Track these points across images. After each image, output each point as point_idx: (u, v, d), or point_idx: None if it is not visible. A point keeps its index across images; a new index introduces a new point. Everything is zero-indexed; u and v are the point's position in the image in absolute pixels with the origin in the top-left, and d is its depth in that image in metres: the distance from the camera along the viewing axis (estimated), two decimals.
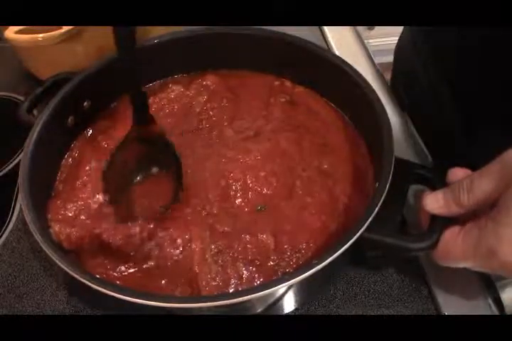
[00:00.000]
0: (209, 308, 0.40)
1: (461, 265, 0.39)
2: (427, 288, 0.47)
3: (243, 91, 0.55)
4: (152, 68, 0.55)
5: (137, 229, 0.42)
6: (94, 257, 0.43)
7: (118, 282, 0.42)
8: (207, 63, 0.57)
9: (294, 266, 0.42)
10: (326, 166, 0.48)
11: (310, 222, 0.44)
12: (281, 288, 0.35)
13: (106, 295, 0.35)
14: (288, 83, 0.56)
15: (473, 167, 0.39)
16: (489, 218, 0.36)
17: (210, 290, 0.41)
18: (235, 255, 0.42)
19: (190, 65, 0.57)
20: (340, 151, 0.49)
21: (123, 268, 0.43)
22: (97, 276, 0.41)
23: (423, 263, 0.48)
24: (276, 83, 0.56)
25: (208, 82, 0.55)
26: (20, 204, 0.45)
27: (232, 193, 0.46)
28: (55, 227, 0.43)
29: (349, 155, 0.49)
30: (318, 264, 0.35)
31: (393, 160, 0.41)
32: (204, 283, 0.41)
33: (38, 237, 0.39)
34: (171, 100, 0.54)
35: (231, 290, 0.41)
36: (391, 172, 0.40)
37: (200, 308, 0.40)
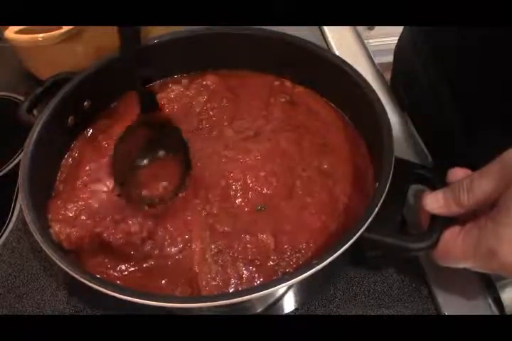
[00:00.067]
0: (209, 308, 0.40)
1: (461, 265, 0.39)
2: (427, 288, 0.47)
3: (243, 91, 0.55)
4: (152, 68, 0.55)
5: (137, 227, 0.42)
6: (94, 256, 0.43)
7: (118, 282, 0.42)
8: (207, 63, 0.56)
9: (294, 266, 0.42)
10: (326, 166, 0.48)
11: (310, 222, 0.44)
12: (281, 288, 0.35)
13: (106, 295, 0.35)
14: (288, 83, 0.56)
15: (473, 167, 0.39)
16: (489, 218, 0.36)
17: (210, 290, 0.41)
18: (235, 255, 0.42)
19: (190, 65, 0.57)
20: (340, 151, 0.49)
21: (123, 267, 0.43)
22: (97, 276, 0.41)
23: (423, 263, 0.48)
24: (276, 83, 0.56)
25: (208, 82, 0.55)
26: (20, 204, 0.45)
27: (232, 193, 0.46)
28: (55, 227, 0.43)
29: (349, 155, 0.49)
30: (318, 264, 0.35)
31: (393, 160, 0.41)
32: (204, 283, 0.41)
33: (38, 237, 0.39)
34: (171, 100, 0.54)
35: (231, 290, 0.41)
36: (391, 172, 0.40)
37: (200, 308, 0.40)
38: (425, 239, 0.39)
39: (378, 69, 0.67)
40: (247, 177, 0.46)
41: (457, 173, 0.41)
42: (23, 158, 0.44)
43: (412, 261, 0.48)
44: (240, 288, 0.41)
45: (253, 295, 0.34)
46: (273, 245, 0.43)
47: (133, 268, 0.43)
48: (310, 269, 0.35)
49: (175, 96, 0.55)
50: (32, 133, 0.45)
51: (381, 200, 0.38)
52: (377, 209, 0.38)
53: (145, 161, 0.48)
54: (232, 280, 0.41)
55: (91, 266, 0.43)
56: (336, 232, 0.43)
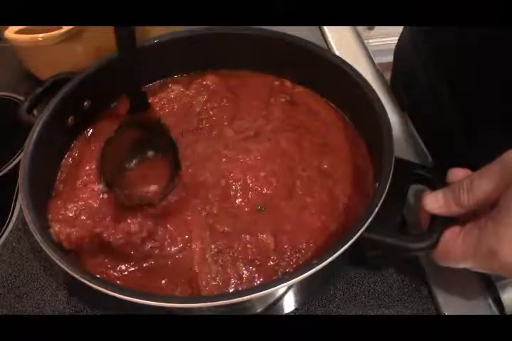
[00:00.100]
0: (209, 308, 0.40)
1: (461, 265, 0.39)
2: (427, 288, 0.47)
3: (243, 91, 0.55)
4: (152, 68, 0.55)
5: (137, 227, 0.42)
6: (94, 256, 0.43)
7: (118, 282, 0.42)
8: (207, 63, 0.56)
9: (294, 266, 0.42)
10: (326, 166, 0.48)
11: (310, 222, 0.44)
12: (281, 288, 0.35)
13: (106, 295, 0.35)
14: (288, 83, 0.56)
15: (473, 167, 0.39)
16: (489, 218, 0.36)
17: (210, 290, 0.41)
18: (235, 255, 0.42)
19: (190, 65, 0.57)
20: (340, 151, 0.49)
21: (123, 267, 0.43)
22: (97, 276, 0.41)
23: (423, 263, 0.48)
24: (276, 83, 0.56)
25: (208, 82, 0.55)
26: (20, 204, 0.45)
27: (232, 193, 0.46)
28: (55, 227, 0.43)
29: (349, 155, 0.49)
30: (318, 264, 0.35)
31: (393, 160, 0.41)
32: (204, 283, 0.41)
33: (38, 237, 0.39)
34: (171, 100, 0.54)
35: (231, 290, 0.41)
36: (391, 172, 0.40)
37: (200, 308, 0.40)
38: (425, 239, 0.39)
39: (378, 69, 0.67)
40: (247, 177, 0.46)
41: (457, 173, 0.41)
42: (23, 158, 0.44)
43: (412, 261, 0.48)
44: (240, 288, 0.41)
45: (253, 295, 0.34)
46: (273, 245, 0.43)
47: (133, 268, 0.43)
48: (310, 269, 0.35)
49: (175, 96, 0.55)
50: (32, 133, 0.45)
51: (381, 200, 0.38)
52: (377, 209, 0.38)
53: (134, 162, 0.47)
54: (232, 280, 0.41)
55: (91, 266, 0.43)
56: (336, 232, 0.43)
